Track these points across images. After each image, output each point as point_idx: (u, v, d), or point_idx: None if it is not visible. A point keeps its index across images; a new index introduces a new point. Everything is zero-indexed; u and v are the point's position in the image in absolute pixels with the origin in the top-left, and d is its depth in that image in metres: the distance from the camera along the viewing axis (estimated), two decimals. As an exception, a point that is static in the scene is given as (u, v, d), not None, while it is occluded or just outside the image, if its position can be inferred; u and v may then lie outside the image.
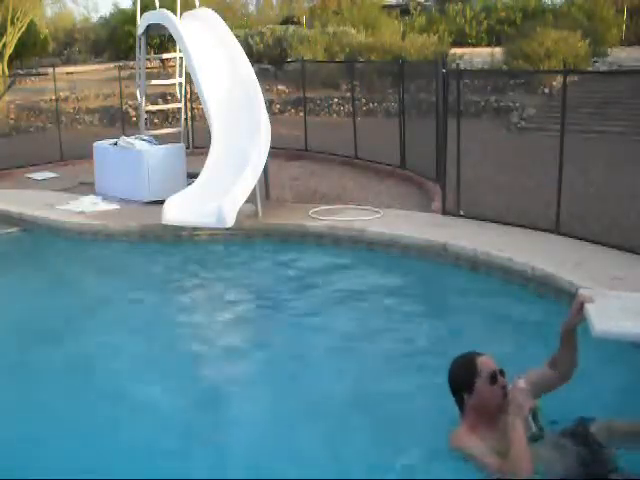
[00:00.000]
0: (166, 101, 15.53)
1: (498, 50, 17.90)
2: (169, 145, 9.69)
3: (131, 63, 17.95)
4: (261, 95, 8.79)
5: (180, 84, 10.91)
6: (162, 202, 7.86)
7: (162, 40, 20.10)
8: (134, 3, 18.38)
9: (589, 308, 3.23)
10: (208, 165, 8.31)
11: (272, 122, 8.70)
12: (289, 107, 16.50)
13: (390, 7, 31.12)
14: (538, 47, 15.44)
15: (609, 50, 19.04)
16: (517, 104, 14.51)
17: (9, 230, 8.61)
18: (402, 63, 10.96)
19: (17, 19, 18.92)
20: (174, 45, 12.44)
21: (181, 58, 10.46)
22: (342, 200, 8.95)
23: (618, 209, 7.19)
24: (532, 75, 15.40)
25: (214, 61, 9.09)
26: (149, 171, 9.07)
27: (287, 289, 6.63)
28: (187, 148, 10.59)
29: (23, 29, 19.56)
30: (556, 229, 6.91)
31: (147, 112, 11.70)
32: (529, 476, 3.09)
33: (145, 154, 9.17)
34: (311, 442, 4.06)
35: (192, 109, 13.63)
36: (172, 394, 4.74)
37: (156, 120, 15.56)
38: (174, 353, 5.43)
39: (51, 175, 11.45)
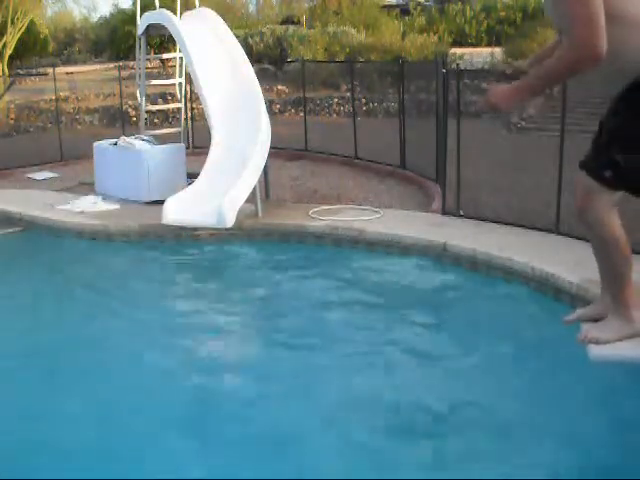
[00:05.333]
0: (166, 101, 15.52)
1: (498, 50, 17.90)
2: (169, 145, 9.69)
3: (131, 63, 17.97)
4: (261, 95, 8.79)
5: (180, 84, 10.90)
6: (162, 202, 7.86)
7: (162, 40, 20.08)
8: (134, 3, 18.39)
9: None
10: (208, 165, 8.31)
11: (272, 122, 8.70)
12: (289, 107, 16.49)
13: (390, 7, 31.10)
14: (538, 47, 15.44)
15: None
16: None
17: (9, 230, 8.61)
18: (402, 63, 10.96)
19: (17, 19, 18.89)
20: (174, 45, 12.44)
21: (181, 58, 10.46)
22: (342, 200, 8.94)
23: (617, 209, 7.18)
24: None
25: (214, 61, 9.09)
26: (149, 171, 9.07)
27: (287, 289, 6.63)
28: (187, 148, 10.59)
29: (23, 29, 19.53)
30: (556, 229, 6.91)
31: (147, 112, 11.71)
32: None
33: (145, 154, 9.17)
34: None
35: (192, 109, 13.63)
36: (173, 394, 4.74)
37: (156, 120, 15.56)
38: (174, 353, 5.43)
39: (51, 175, 11.45)
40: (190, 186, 8.23)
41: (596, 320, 3.00)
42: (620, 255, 2.79)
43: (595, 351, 2.91)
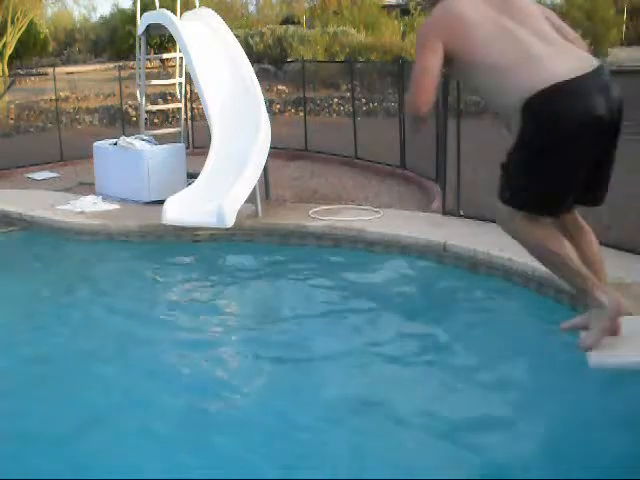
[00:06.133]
0: (166, 101, 15.52)
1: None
2: (169, 145, 9.69)
3: (131, 63, 17.95)
4: (261, 95, 8.79)
5: (180, 84, 10.90)
6: (162, 202, 7.85)
7: (162, 40, 20.08)
8: (134, 3, 18.38)
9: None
10: (208, 165, 8.31)
11: (272, 122, 8.70)
12: (289, 107, 16.49)
13: (390, 7, 31.06)
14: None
15: (609, 50, 19.05)
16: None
17: (9, 230, 8.61)
18: (402, 63, 10.96)
19: (17, 19, 18.91)
20: (174, 45, 12.45)
21: (181, 58, 10.45)
22: (342, 200, 8.94)
23: (618, 209, 7.18)
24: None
25: (214, 61, 9.09)
26: (149, 171, 9.07)
27: (288, 289, 6.63)
28: (187, 148, 10.59)
29: (23, 29, 19.55)
30: (556, 229, 6.90)
31: (147, 112, 11.70)
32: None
33: (145, 154, 9.16)
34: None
35: (192, 109, 13.62)
36: (174, 396, 4.74)
37: (156, 120, 15.56)
38: (175, 354, 5.43)
39: (51, 175, 11.44)
40: (190, 186, 8.23)
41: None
42: (557, 259, 2.87)
43: (594, 359, 2.90)
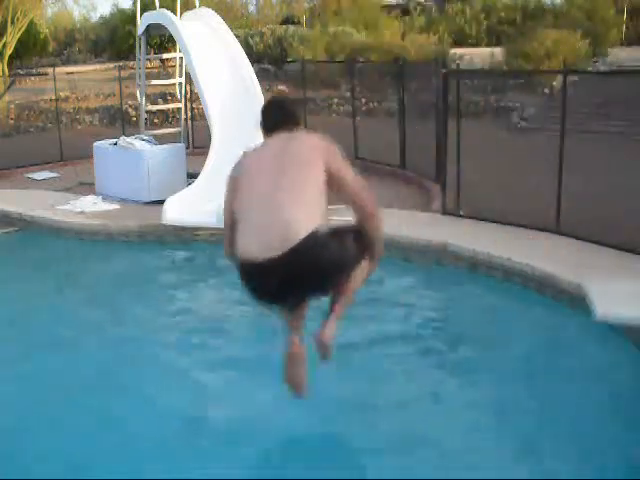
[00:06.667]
0: (166, 101, 15.53)
1: (498, 50, 17.90)
2: (169, 145, 9.69)
3: (131, 63, 17.97)
4: (261, 95, 8.79)
5: (180, 84, 10.91)
6: (162, 202, 7.86)
7: (162, 40, 20.10)
8: (134, 3, 18.38)
9: (593, 293, 3.26)
10: (208, 165, 8.31)
11: (272, 122, 8.69)
12: (289, 107, 16.44)
13: (390, 7, 31.08)
14: (538, 47, 15.45)
15: (609, 50, 19.06)
16: (517, 104, 14.51)
17: (9, 230, 8.61)
18: (402, 63, 10.96)
19: (17, 19, 18.93)
20: (174, 45, 12.46)
21: (181, 58, 10.46)
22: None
23: (618, 209, 7.18)
24: (532, 75, 15.41)
25: (214, 61, 9.10)
26: (149, 171, 9.07)
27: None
28: (187, 148, 10.59)
29: (23, 29, 19.57)
30: (556, 229, 6.91)
31: (147, 112, 11.71)
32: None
33: (145, 154, 9.17)
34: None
35: (192, 109, 13.63)
36: (170, 394, 4.74)
37: (156, 120, 15.56)
38: (174, 354, 5.43)
39: (51, 175, 11.44)
40: (190, 186, 8.23)
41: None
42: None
43: (600, 313, 2.98)
